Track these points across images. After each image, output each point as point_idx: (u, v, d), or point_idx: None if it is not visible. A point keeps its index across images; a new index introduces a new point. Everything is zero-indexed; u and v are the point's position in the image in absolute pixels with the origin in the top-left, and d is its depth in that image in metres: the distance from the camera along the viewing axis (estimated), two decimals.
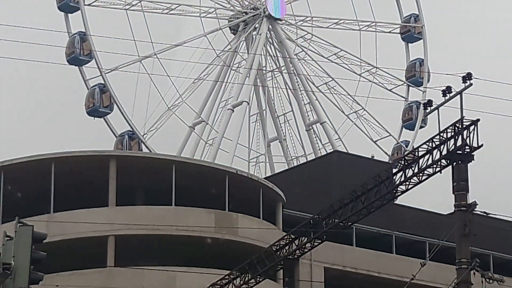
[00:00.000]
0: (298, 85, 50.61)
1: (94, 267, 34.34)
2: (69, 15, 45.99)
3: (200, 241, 36.66)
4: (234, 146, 47.51)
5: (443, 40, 69.48)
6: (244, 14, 50.48)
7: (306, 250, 28.06)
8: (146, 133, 47.07)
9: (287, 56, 50.84)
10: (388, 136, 51.63)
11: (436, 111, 22.46)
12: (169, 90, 48.54)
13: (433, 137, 22.53)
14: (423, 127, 50.29)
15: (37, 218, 27.46)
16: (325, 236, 27.66)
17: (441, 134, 22.20)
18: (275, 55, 51.39)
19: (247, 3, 50.98)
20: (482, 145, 21.52)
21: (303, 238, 27.73)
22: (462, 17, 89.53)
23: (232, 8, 51.45)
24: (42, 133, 73.10)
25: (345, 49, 52.40)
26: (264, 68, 50.88)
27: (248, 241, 36.40)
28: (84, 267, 34.29)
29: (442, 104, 21.92)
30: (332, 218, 26.33)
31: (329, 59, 52.20)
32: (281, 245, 27.74)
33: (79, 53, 44.35)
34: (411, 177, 23.51)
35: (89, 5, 45.84)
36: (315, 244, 28.25)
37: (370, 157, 44.63)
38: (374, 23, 52.73)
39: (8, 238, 18.18)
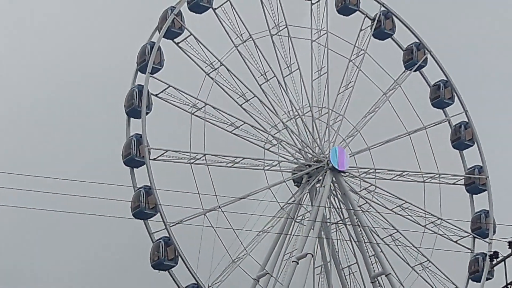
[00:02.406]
0: (362, 236, 48.60)
1: None
2: (135, 169, 44.90)
3: None
4: None
5: (509, 190, 67.11)
6: (307, 166, 49.07)
7: None
8: (211, 286, 44.34)
9: (351, 208, 49.15)
10: None
11: (503, 262, 23.97)
12: (233, 242, 45.57)
13: None
14: (490, 279, 47.64)
15: None
16: None
17: (509, 286, 23.57)
18: (339, 207, 49.63)
19: (310, 156, 49.72)
20: None
21: None
22: None
23: (295, 161, 49.44)
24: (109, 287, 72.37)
25: (409, 201, 50.42)
26: (328, 220, 49.13)
27: None
28: None
29: (508, 256, 23.54)
30: None
31: (393, 211, 50.51)
32: None
33: (144, 207, 43.22)
34: None
35: (154, 159, 44.91)
36: None
37: None
38: (438, 175, 51.05)
39: None
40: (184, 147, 44.57)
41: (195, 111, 45.26)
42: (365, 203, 49.51)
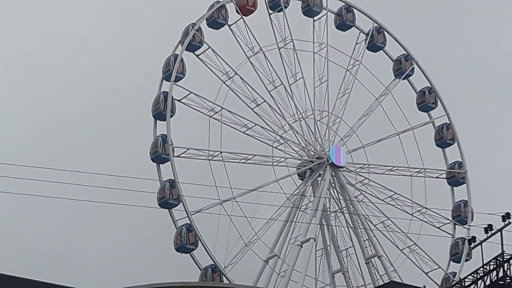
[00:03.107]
0: (358, 223, 49.61)
1: None
2: (161, 165, 45.82)
3: None
4: (303, 278, 45.62)
5: (485, 183, 66.74)
6: (310, 162, 49.74)
7: None
8: (226, 267, 45.18)
9: (348, 199, 49.78)
10: (437, 268, 50.05)
11: (480, 246, 25.29)
12: (246, 229, 46.74)
13: (478, 269, 25.39)
14: (468, 260, 47.92)
15: None
16: None
17: (485, 266, 24.83)
18: (337, 197, 50.35)
19: (312, 153, 50.16)
20: None
21: None
22: (500, 163, 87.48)
23: (299, 157, 50.26)
24: (139, 268, 72.29)
25: (398, 192, 51.33)
26: (328, 209, 49.65)
27: None
28: None
29: (484, 240, 24.92)
30: None
31: (384, 201, 51.09)
32: None
33: (168, 197, 44.11)
34: None
35: (177, 156, 45.70)
36: None
37: (422, 287, 43.27)
38: (423, 170, 51.96)
39: None
40: (203, 146, 45.74)
41: (213, 114, 46.11)
42: (360, 194, 50.22)
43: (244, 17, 48.22)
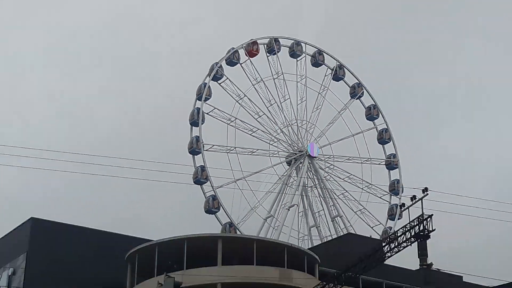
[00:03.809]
0: (326, 195, 51.83)
1: None
2: (195, 156, 46.97)
3: (272, 286, 33.22)
4: (289, 230, 47.64)
5: (411, 168, 66.47)
6: (294, 154, 51.46)
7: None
8: (239, 223, 46.83)
9: (320, 178, 51.88)
10: (379, 224, 52.37)
11: (407, 210, 25.03)
12: (251, 198, 48.38)
13: (406, 225, 25.40)
14: (400, 219, 49.83)
15: (175, 273, 28.29)
16: (343, 283, 29.37)
17: (411, 223, 24.82)
18: (312, 177, 52.26)
19: (296, 148, 51.84)
20: (434, 229, 23.83)
21: (331, 284, 29.62)
22: (421, 154, 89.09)
23: (287, 151, 51.79)
24: (175, 226, 73.70)
25: (353, 174, 53.61)
26: (306, 185, 51.69)
27: (299, 286, 34.02)
28: None
29: (410, 206, 24.90)
30: (347, 272, 28.46)
31: (344, 180, 53.14)
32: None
33: (200, 177, 45.56)
34: (393, 248, 26.11)
35: (206, 150, 46.51)
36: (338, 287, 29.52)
37: (369, 236, 45.50)
38: (369, 159, 54.32)
39: (160, 285, 21.19)
40: (223, 143, 47.82)
41: (230, 122, 48.30)
42: (327, 175, 52.61)
43: (250, 58, 50.11)
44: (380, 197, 53.95)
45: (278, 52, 50.50)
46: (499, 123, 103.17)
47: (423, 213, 24.50)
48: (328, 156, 53.41)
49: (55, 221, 37.90)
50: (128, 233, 39.46)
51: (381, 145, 54.69)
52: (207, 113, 46.97)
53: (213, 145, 46.73)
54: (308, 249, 42.44)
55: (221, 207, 45.69)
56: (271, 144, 50.51)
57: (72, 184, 70.38)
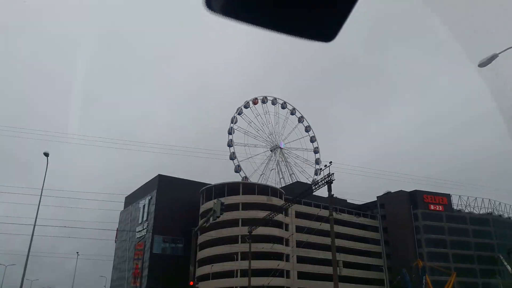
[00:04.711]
0: (287, 164, 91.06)
1: None
2: (230, 147, 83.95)
3: (263, 204, 76.34)
4: (272, 179, 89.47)
5: (326, 151, 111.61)
6: (273, 146, 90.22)
7: (291, 205, 51.16)
8: (250, 176, 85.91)
9: (287, 160, 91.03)
10: (310, 177, 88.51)
11: (323, 171, 35.96)
12: (255, 166, 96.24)
13: (324, 178, 35.52)
14: (319, 174, 69.37)
15: (221, 198, 50.67)
16: (295, 202, 50.25)
17: (325, 176, 34.83)
18: (282, 158, 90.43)
19: (274, 143, 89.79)
20: (334, 179, 33.10)
21: (290, 203, 50.04)
22: (332, 142, 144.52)
23: (270, 145, 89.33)
24: (221, 179, 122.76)
25: (299, 155, 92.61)
26: (279, 160, 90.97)
27: (275, 203, 69.24)
28: None
29: (324, 169, 36.32)
30: (297, 198, 47.53)
31: (297, 159, 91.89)
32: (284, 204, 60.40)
33: (232, 157, 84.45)
34: (316, 187, 38.33)
35: (235, 145, 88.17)
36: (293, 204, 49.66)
37: (308, 183, 73.25)
38: (306, 149, 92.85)
39: (215, 203, 28.63)
40: (242, 142, 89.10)
41: (246, 133, 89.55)
42: (289, 157, 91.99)
43: (254, 105, 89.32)
44: (311, 165, 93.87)
45: (266, 102, 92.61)
46: None
47: (329, 172, 33.49)
48: (288, 148, 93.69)
49: (170, 176, 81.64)
50: (202, 181, 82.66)
51: (311, 143, 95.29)
52: (235, 129, 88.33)
53: (238, 143, 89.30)
54: (280, 187, 78.25)
55: (241, 170, 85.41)
56: (264, 142, 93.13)
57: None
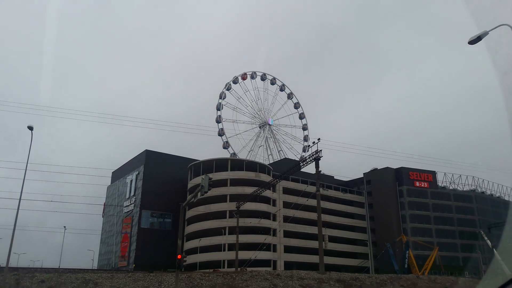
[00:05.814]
0: (276, 141, 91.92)
1: None
2: (218, 124, 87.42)
3: (251, 180, 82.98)
4: (261, 155, 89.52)
5: (314, 129, 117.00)
6: (263, 123, 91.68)
7: (279, 181, 53.85)
8: (238, 152, 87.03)
9: (275, 137, 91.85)
10: (299, 154, 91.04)
11: (311, 148, 47.98)
12: (243, 142, 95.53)
13: (311, 154, 36.84)
14: (307, 152, 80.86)
15: (209, 174, 54.37)
16: (283, 178, 51.45)
17: (313, 152, 36.35)
18: (270, 134, 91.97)
19: (263, 120, 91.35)
20: (322, 156, 35.63)
21: (278, 179, 55.36)
22: (321, 120, 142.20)
23: (259, 121, 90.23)
24: (211, 155, 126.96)
25: (288, 132, 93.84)
26: (267, 136, 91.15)
27: (263, 179, 75.28)
28: None
29: (312, 146, 37.85)
30: (285, 174, 49.67)
31: (285, 136, 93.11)
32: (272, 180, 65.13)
33: (220, 133, 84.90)
34: (303, 164, 39.54)
35: (223, 121, 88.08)
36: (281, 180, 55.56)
37: (298, 159, 76.35)
38: (295, 126, 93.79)
39: (202, 179, 28.64)
40: (231, 118, 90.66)
41: (234, 109, 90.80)
42: (278, 134, 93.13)
43: (243, 80, 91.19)
44: (299, 142, 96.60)
45: (255, 77, 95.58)
46: None
47: (317, 150, 35.56)
48: (277, 124, 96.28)
49: (158, 151, 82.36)
50: (189, 157, 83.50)
51: (300, 120, 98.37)
52: (224, 105, 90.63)
53: (226, 119, 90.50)
54: (268, 164, 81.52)
55: (230, 146, 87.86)
56: (253, 119, 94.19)
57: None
